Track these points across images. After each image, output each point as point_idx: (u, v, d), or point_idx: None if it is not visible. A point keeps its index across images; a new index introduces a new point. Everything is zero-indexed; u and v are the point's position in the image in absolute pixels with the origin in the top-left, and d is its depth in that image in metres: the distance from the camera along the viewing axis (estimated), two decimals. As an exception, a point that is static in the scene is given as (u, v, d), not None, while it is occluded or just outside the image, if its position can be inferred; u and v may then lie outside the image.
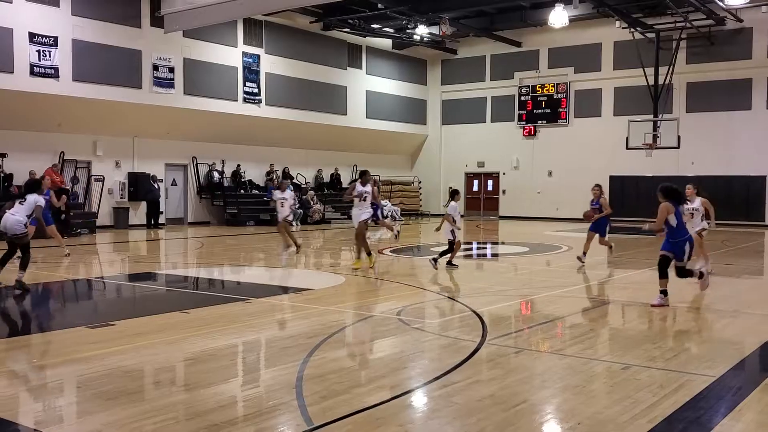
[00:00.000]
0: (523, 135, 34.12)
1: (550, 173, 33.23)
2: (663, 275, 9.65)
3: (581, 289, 11.94)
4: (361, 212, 14.00)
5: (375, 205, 15.18)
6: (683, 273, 9.76)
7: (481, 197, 35.81)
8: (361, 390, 5.83)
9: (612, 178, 31.22)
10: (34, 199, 10.92)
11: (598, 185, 15.00)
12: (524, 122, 34.03)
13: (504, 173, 34.83)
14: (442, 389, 5.79)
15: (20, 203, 10.84)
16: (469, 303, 9.88)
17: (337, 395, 5.61)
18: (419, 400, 5.69)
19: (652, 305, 9.51)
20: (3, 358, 7.04)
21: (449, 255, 14.00)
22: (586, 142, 32.01)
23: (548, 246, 19.48)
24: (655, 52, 28.14)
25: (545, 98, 33.43)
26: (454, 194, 14.16)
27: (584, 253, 14.49)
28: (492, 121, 35.01)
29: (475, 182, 36.06)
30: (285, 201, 17.17)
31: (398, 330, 8.29)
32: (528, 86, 33.83)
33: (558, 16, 27.32)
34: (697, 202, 12.74)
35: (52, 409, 5.52)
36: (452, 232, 13.74)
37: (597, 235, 14.91)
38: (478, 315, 9.00)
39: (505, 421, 5.03)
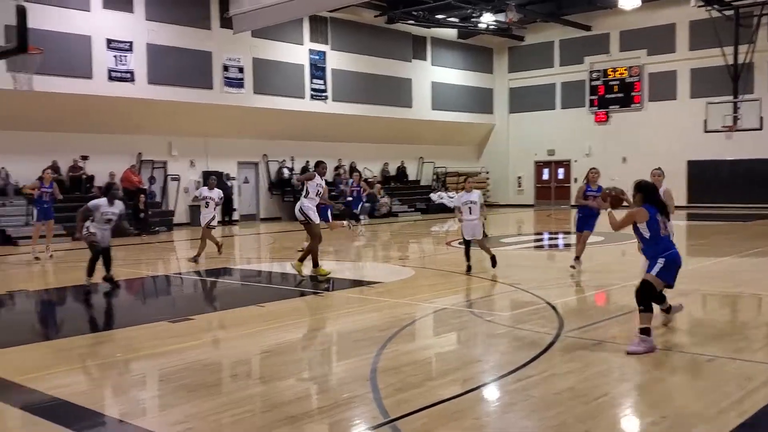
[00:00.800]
0: (595, 121, 33.40)
1: (624, 159, 32.42)
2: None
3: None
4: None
5: (324, 206, 13.72)
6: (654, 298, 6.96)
7: (552, 186, 35.24)
8: (436, 383, 5.81)
9: (690, 163, 30.30)
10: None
11: (594, 168, 12.35)
12: (596, 108, 33.30)
13: (575, 161, 34.17)
14: (517, 382, 5.71)
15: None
16: (543, 294, 9.73)
17: (412, 388, 5.60)
18: (495, 393, 5.64)
19: (628, 352, 6.50)
20: (89, 352, 7.30)
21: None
22: (661, 126, 31.10)
23: (624, 235, 18.93)
24: (734, 30, 27.12)
25: (617, 82, 32.62)
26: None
27: (577, 258, 11.90)
28: (562, 108, 34.38)
29: (545, 171, 35.49)
30: (211, 201, 14.98)
31: (470, 322, 8.23)
32: (599, 71, 33.08)
33: (629, -2, 26.63)
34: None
35: (137, 401, 5.69)
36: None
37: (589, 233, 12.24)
38: (552, 306, 8.86)
39: (585, 415, 4.93)
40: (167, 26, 23.55)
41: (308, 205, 11.48)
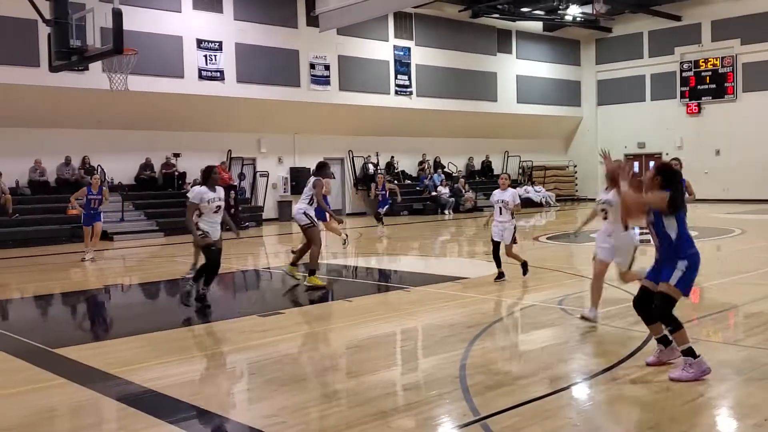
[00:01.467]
0: (687, 113, 32.26)
1: (717, 152, 31.20)
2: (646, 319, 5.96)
3: (758, 276, 11.12)
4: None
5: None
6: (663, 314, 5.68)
7: (644, 179, 34.22)
8: (526, 381, 5.74)
9: (788, 156, 28.95)
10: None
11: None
12: (687, 99, 32.16)
13: (667, 153, 32.98)
14: (611, 382, 5.59)
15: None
16: (633, 290, 9.45)
17: (502, 386, 5.55)
18: (587, 392, 5.53)
19: (671, 378, 5.55)
20: (184, 346, 7.54)
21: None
22: (756, 117, 29.76)
23: (718, 230, 18.33)
24: (835, 15, 25.71)
25: (709, 73, 31.40)
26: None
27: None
28: (652, 100, 33.35)
29: (636, 164, 34.52)
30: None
31: (561, 319, 8.10)
32: (690, 61, 31.92)
33: (723, -15, 25.59)
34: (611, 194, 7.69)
35: (229, 394, 5.84)
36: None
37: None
38: (645, 304, 8.60)
39: (682, 416, 4.78)
40: (255, 26, 24.06)
41: (309, 207, 10.64)
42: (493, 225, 10.70)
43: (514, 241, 10.57)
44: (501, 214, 10.53)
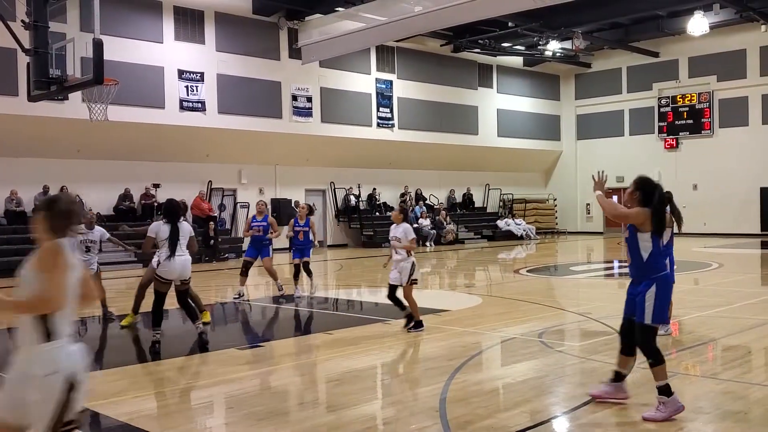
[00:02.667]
0: (665, 147, 32.71)
1: (695, 186, 31.60)
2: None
3: (736, 309, 11.21)
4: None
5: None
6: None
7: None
8: (505, 415, 5.73)
9: (763, 190, 29.38)
10: (188, 228, 8.91)
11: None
12: (665, 134, 32.62)
13: (645, 188, 33.45)
14: (590, 415, 5.58)
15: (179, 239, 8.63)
16: (614, 324, 9.50)
17: (482, 419, 5.53)
18: (566, 426, 5.53)
19: (645, 418, 5.45)
20: (159, 379, 7.45)
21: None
22: (732, 152, 30.26)
23: (696, 263, 18.49)
24: (808, 54, 26.31)
25: (687, 109, 31.93)
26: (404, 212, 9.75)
27: None
28: (630, 134, 33.80)
29: (615, 198, 34.79)
30: (93, 245, 10.84)
31: (541, 353, 8.10)
32: (668, 97, 32.45)
33: (697, 24, 26.14)
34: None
35: (206, 428, 5.77)
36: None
37: None
38: (624, 337, 8.62)
39: (660, 450, 4.78)
40: (237, 57, 24.16)
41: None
42: (392, 266, 9.50)
43: (412, 282, 9.28)
44: (396, 251, 9.36)
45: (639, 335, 5.56)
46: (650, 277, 5.57)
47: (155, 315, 8.70)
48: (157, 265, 8.69)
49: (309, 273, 13.88)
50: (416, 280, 9.37)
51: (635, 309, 5.59)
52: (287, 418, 5.91)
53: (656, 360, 5.50)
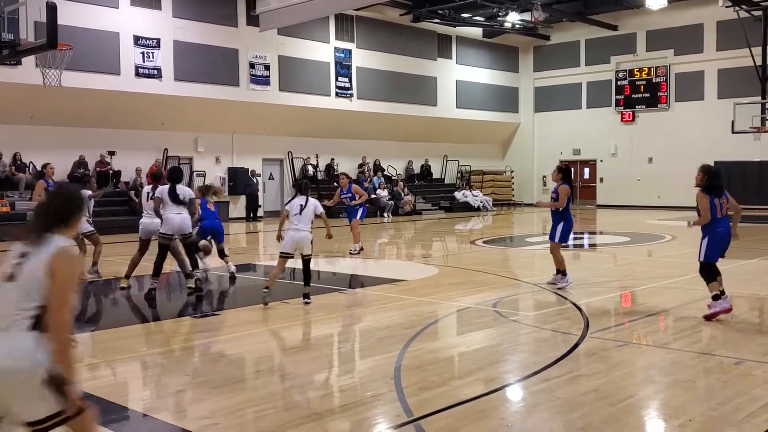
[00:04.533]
0: (621, 121, 33.12)
1: (650, 160, 32.12)
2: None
3: (686, 281, 11.44)
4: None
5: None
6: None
7: (577, 185, 34.98)
8: (460, 382, 5.80)
9: (717, 164, 29.96)
10: (188, 191, 10.23)
11: (558, 167, 11.12)
12: (622, 107, 33.02)
13: (601, 160, 33.92)
14: (543, 383, 5.68)
15: (178, 200, 9.86)
16: (568, 295, 9.66)
17: (436, 387, 5.59)
18: (520, 393, 5.61)
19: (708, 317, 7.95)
20: (115, 347, 7.36)
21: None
22: (688, 126, 30.76)
23: (650, 235, 18.86)
24: (762, 30, 26.73)
25: (644, 82, 32.32)
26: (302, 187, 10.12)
27: (558, 271, 10.35)
28: (587, 107, 34.13)
29: (571, 169, 35.20)
30: None
31: (495, 322, 8.20)
32: (625, 70, 32.79)
33: (656, -2, 26.40)
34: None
35: (161, 396, 5.73)
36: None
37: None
38: (578, 307, 8.79)
39: (611, 417, 4.89)
40: (194, 23, 23.69)
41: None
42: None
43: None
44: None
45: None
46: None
47: (156, 267, 9.93)
48: (161, 223, 9.97)
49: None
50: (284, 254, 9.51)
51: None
52: (243, 385, 5.90)
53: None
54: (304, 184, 9.98)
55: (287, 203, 9.70)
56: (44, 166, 14.83)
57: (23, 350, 3.07)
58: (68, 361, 3.12)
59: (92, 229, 11.56)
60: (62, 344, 3.10)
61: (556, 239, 10.28)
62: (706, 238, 8.16)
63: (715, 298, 8.00)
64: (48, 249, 3.19)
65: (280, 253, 9.47)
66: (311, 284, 9.55)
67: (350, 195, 15.74)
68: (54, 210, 3.36)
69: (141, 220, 10.76)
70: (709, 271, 8.09)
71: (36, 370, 3.04)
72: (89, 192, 11.44)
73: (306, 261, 9.43)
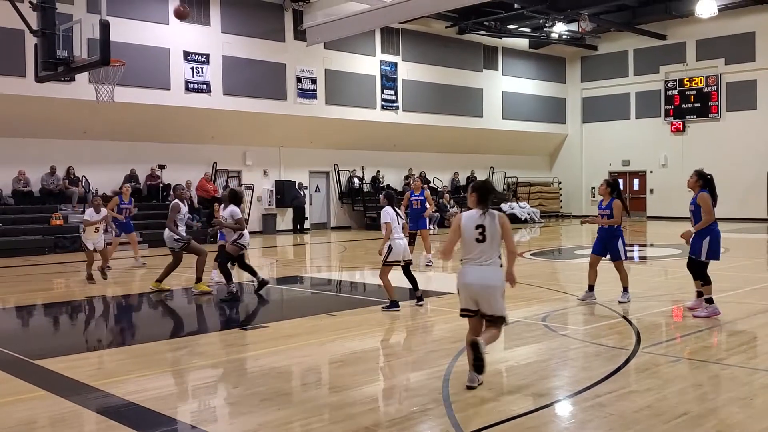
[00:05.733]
0: (671, 131, 32.56)
1: (701, 171, 31.43)
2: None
3: (742, 294, 11.19)
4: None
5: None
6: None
7: (627, 197, 34.45)
8: (510, 398, 5.73)
9: (770, 175, 29.26)
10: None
11: (606, 180, 10.97)
12: (672, 118, 32.47)
13: (651, 171, 33.37)
14: (594, 399, 5.58)
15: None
16: (619, 309, 9.51)
17: (485, 402, 5.53)
18: (570, 409, 5.52)
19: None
20: (164, 358, 7.47)
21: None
22: (740, 136, 30.09)
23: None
24: (818, 37, 26.08)
25: (694, 92, 31.74)
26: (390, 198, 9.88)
27: (591, 287, 10.26)
28: (636, 118, 33.65)
29: (620, 181, 34.69)
30: (101, 226, 13.67)
31: (544, 336, 8.10)
32: (675, 80, 32.26)
33: (706, 6, 25.95)
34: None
35: (210, 408, 5.79)
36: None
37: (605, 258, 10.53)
38: (629, 321, 8.64)
39: (664, 434, 4.78)
40: (242, 39, 24.08)
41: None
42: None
43: (387, 263, 9.66)
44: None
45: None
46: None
47: (227, 273, 11.35)
48: (239, 237, 11.27)
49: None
50: (392, 263, 9.66)
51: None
52: (291, 398, 5.92)
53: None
54: (393, 194, 10.08)
55: (386, 215, 9.56)
56: (121, 186, 17.19)
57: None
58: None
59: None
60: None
61: (623, 257, 10.18)
62: (707, 238, 8.81)
63: (710, 301, 8.73)
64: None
65: (390, 262, 9.60)
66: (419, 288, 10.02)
67: (422, 198, 15.43)
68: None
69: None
70: (703, 272, 8.79)
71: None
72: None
73: (407, 266, 9.90)
